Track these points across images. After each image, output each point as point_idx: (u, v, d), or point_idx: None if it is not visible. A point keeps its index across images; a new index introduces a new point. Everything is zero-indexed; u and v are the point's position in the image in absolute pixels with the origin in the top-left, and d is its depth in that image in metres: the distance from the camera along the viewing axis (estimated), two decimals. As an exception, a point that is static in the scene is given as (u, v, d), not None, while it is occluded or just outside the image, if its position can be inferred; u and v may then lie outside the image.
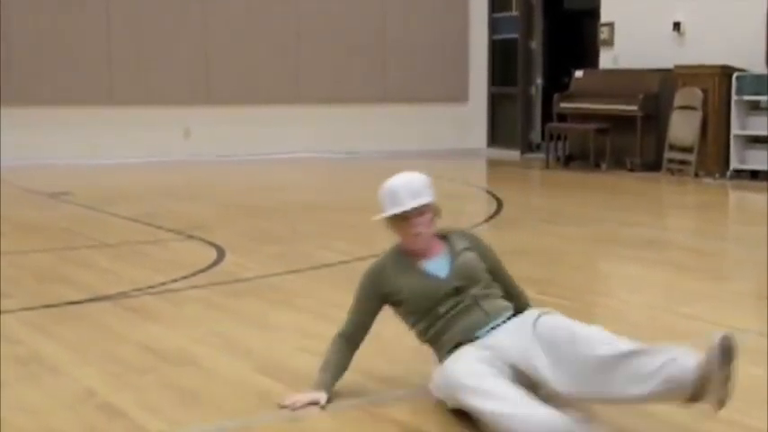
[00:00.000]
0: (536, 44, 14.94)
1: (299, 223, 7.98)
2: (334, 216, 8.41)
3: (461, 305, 3.32)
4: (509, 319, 3.34)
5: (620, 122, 12.26)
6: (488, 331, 3.27)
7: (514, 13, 14.89)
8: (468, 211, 9.43)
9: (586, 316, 4.80)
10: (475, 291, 3.35)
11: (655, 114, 12.16)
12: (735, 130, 11.29)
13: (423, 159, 13.91)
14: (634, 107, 12.08)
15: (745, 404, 3.29)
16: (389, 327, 4.45)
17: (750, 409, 3.25)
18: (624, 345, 2.99)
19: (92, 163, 12.67)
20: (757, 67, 11.20)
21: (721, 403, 2.87)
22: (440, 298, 3.34)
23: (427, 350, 4.01)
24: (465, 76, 15.13)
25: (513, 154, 14.70)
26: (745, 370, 3.71)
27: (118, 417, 3.21)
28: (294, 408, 3.24)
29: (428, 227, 3.51)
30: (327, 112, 14.10)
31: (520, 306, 3.49)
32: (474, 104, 15.23)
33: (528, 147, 14.87)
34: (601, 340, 3.03)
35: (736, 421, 3.12)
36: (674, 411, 3.22)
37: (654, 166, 12.03)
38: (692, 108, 11.56)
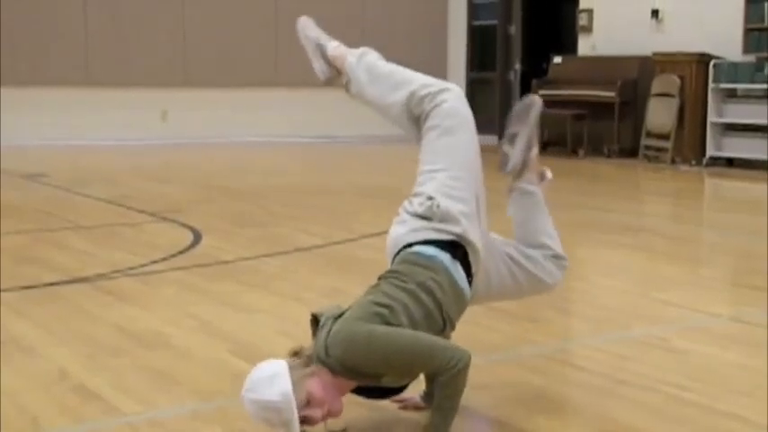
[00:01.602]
0: (515, 30, 14.95)
1: (277, 206, 7.97)
2: (311, 200, 8.40)
3: None
4: None
5: (598, 109, 12.31)
6: None
7: (494, -2, 14.90)
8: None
9: (563, 300, 4.83)
10: None
11: (632, 101, 12.22)
12: (711, 117, 11.35)
13: (400, 144, 13.92)
14: (612, 93, 12.13)
15: (722, 390, 3.31)
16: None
17: (722, 393, 3.27)
18: None
19: (68, 144, 12.61)
20: (734, 55, 11.26)
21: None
22: None
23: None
24: (443, 61, 15.12)
25: (491, 139, 14.71)
26: (720, 356, 3.75)
27: (92, 398, 3.20)
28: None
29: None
30: (305, 96, 14.07)
31: None
32: (452, 89, 15.23)
33: (506, 132, 14.89)
34: None
35: (707, 406, 3.15)
36: (644, 395, 3.24)
37: (631, 152, 12.09)
38: (670, 95, 11.61)
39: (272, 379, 2.68)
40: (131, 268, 5.31)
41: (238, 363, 3.59)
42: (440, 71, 15.07)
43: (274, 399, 2.64)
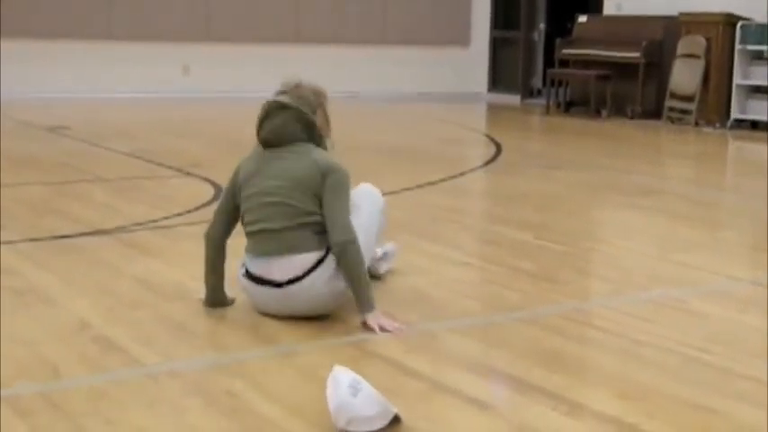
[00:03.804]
0: (540, -12, 14.82)
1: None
2: (332, 156, 8.37)
3: None
4: None
5: (622, 69, 12.21)
6: None
7: (519, -44, 14.76)
8: (467, 155, 9.42)
9: (582, 261, 4.82)
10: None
11: (657, 62, 12.10)
12: (737, 79, 11.25)
13: (422, 102, 13.86)
14: (636, 54, 12.02)
15: (741, 353, 3.31)
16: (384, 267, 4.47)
17: (746, 357, 3.27)
18: None
19: (90, 97, 12.62)
20: (762, 17, 11.13)
21: None
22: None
23: (421, 291, 4.04)
24: (467, 20, 15.02)
25: (514, 99, 14.64)
26: (739, 319, 3.74)
27: (112, 349, 3.22)
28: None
29: None
30: (327, 52, 14.01)
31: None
32: (475, 48, 15.14)
33: (529, 92, 14.81)
34: None
35: (730, 369, 3.14)
36: (663, 356, 3.24)
37: (654, 114, 12.00)
38: (695, 56, 11.50)
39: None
40: (152, 221, 5.33)
41: (257, 317, 3.61)
42: (463, 29, 14.98)
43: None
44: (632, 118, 12.05)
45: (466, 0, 14.95)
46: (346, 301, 3.57)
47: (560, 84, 13.03)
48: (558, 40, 13.10)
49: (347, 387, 2.58)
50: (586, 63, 12.63)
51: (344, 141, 9.96)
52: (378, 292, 3.95)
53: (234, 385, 2.92)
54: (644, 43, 11.98)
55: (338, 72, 14.12)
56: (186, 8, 13.31)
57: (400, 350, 3.26)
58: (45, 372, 2.99)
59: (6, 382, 2.90)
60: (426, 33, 14.52)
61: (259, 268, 3.52)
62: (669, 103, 11.79)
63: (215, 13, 13.49)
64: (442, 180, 7.04)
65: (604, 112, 12.27)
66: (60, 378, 2.96)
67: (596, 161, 8.60)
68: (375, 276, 4.02)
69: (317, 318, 3.56)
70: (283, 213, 3.50)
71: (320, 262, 3.48)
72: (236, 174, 3.75)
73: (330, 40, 14.05)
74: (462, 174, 7.65)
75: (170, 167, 7.41)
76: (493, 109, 13.97)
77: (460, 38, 14.98)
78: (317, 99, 3.77)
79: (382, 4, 14.30)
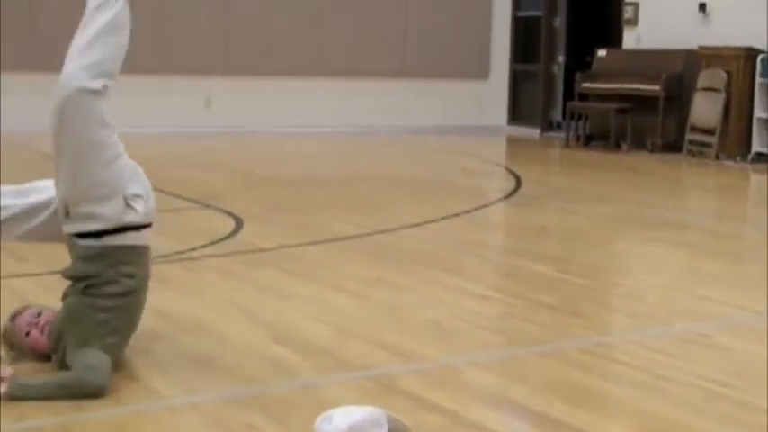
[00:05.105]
0: (560, 22, 14.84)
1: (317, 195, 7.98)
2: (351, 189, 8.40)
3: None
4: None
5: (642, 103, 12.19)
6: None
7: (539, -10, 14.80)
8: (487, 188, 9.41)
9: (603, 295, 4.80)
10: None
11: (677, 95, 12.08)
12: (758, 113, 11.20)
13: (441, 135, 13.88)
14: (657, 87, 12.01)
15: (759, 386, 3.27)
16: (405, 298, 4.47)
17: (764, 391, 3.23)
18: None
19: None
20: (782, 51, 11.11)
21: None
22: None
23: (442, 324, 4.02)
24: (486, 53, 15.06)
25: (533, 132, 14.64)
26: (762, 353, 3.70)
27: (131, 380, 3.22)
28: None
29: None
30: (347, 86, 14.06)
31: None
32: (495, 81, 15.16)
33: (548, 125, 14.80)
34: None
35: (749, 403, 3.11)
36: (686, 391, 3.21)
37: (675, 147, 11.96)
38: (716, 90, 11.47)
39: None
40: (173, 254, 5.34)
41: (278, 349, 3.61)
42: (482, 62, 15.01)
43: None
44: (652, 151, 12.02)
45: (486, 33, 14.99)
46: (367, 338, 3.55)
47: (580, 117, 13.02)
48: (577, 74, 13.11)
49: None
50: (606, 96, 12.62)
51: (364, 174, 9.99)
52: (398, 324, 3.96)
53: (254, 419, 2.91)
54: (664, 76, 11.97)
55: (357, 105, 14.17)
56: (207, 41, 13.40)
57: (421, 384, 3.24)
58: (65, 403, 2.99)
59: (28, 413, 2.90)
60: (445, 66, 14.56)
61: None
62: (690, 136, 11.76)
63: (236, 45, 13.57)
64: (464, 213, 7.04)
65: (624, 146, 12.25)
66: (81, 410, 2.96)
67: (617, 194, 8.58)
68: None
69: (337, 352, 3.55)
70: None
71: None
72: None
73: (350, 72, 14.11)
74: (483, 206, 7.65)
75: (190, 200, 7.43)
76: (512, 142, 13.97)
77: (480, 71, 15.00)
78: None
79: (402, 37, 14.36)
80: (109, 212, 3.26)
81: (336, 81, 14.01)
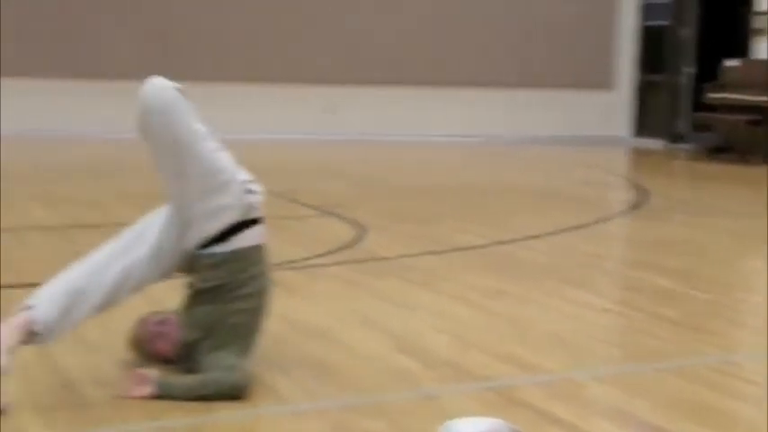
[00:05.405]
0: (688, 32, 14.56)
1: (439, 205, 8.01)
2: (472, 199, 8.40)
3: None
4: None
5: (773, 114, 11.88)
6: None
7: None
8: (610, 200, 9.30)
9: (730, 311, 4.70)
10: None
11: (810, 106, 11.73)
12: None
13: (563, 146, 13.77)
14: (788, 99, 11.69)
15: None
16: (526, 310, 4.46)
17: None
18: None
19: (235, 138, 12.96)
20: None
21: None
22: None
23: (563, 337, 4.01)
24: (611, 62, 14.88)
25: (657, 143, 14.39)
26: None
27: (258, 384, 3.29)
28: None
29: None
30: (469, 95, 14.07)
31: None
32: (619, 91, 14.96)
33: (674, 137, 14.53)
34: None
35: None
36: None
37: (807, 160, 11.61)
38: None
39: None
40: (295, 261, 5.44)
41: (400, 358, 3.64)
42: (607, 72, 14.83)
43: None
44: (783, 165, 11.70)
45: (610, 43, 14.81)
46: (488, 349, 3.55)
47: (707, 128, 12.75)
48: (705, 85, 12.84)
49: None
50: (735, 107, 12.33)
51: (485, 183, 9.97)
52: (519, 336, 3.96)
53: (375, 427, 2.95)
54: (796, 87, 11.64)
55: (479, 114, 14.17)
56: (331, 50, 13.58)
57: (542, 397, 3.24)
58: (197, 404, 3.08)
59: (162, 413, 3.01)
60: (569, 76, 14.44)
61: None
62: (823, 149, 11.40)
63: (360, 54, 13.72)
64: (585, 225, 6.98)
65: (755, 159, 11.94)
66: (212, 411, 3.05)
67: (745, 209, 8.36)
68: None
69: (459, 362, 3.57)
70: None
71: None
72: None
73: (473, 83, 14.12)
74: (605, 219, 7.56)
75: (313, 207, 7.55)
76: (637, 153, 13.76)
77: (604, 80, 14.83)
78: None
79: (525, 47, 14.30)
80: (231, 200, 3.28)
81: (459, 90, 14.03)
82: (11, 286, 4.61)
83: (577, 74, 14.49)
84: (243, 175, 3.37)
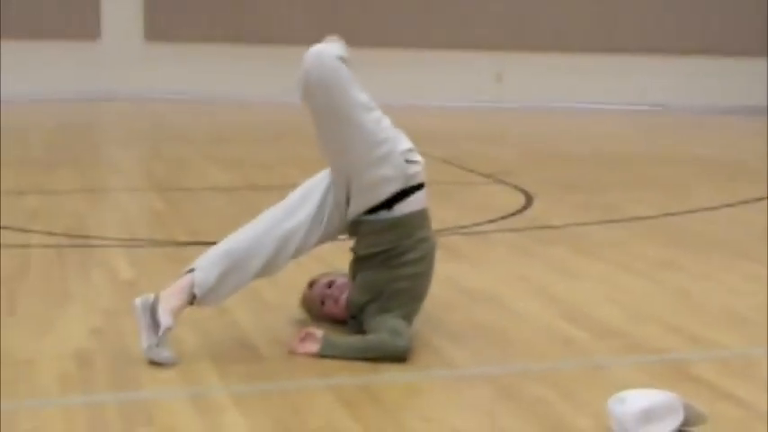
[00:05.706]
0: None
1: (609, 174, 7.87)
2: (644, 169, 8.22)
3: None
4: None
5: None
6: None
7: None
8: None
9: None
10: None
11: None
12: None
13: (739, 115, 13.28)
14: None
15: None
16: (699, 283, 4.35)
17: None
18: None
19: (405, 104, 13.04)
20: None
21: None
22: None
23: (738, 313, 3.89)
24: (763, 35, 14.24)
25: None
26: None
27: (425, 347, 3.33)
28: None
29: None
30: (639, 62, 13.75)
31: None
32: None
33: None
34: None
35: None
36: None
37: None
38: None
39: None
40: (465, 227, 5.45)
41: (568, 327, 3.62)
42: (760, 44, 14.13)
43: None
44: None
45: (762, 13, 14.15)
46: (659, 322, 3.47)
47: None
48: None
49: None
50: None
51: (656, 153, 9.72)
52: (691, 310, 3.88)
53: (545, 393, 2.94)
54: None
55: (650, 82, 13.82)
56: (501, 16, 13.48)
57: (717, 373, 3.16)
58: (364, 364, 3.14)
59: (331, 372, 3.07)
60: (747, 43, 13.90)
61: None
62: None
63: (529, 22, 13.57)
64: (762, 198, 6.72)
65: None
66: (378, 371, 3.10)
67: None
68: None
69: (629, 334, 3.53)
70: None
71: None
72: None
73: (643, 49, 13.76)
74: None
75: (482, 174, 7.53)
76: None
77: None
78: None
79: (701, 14, 13.84)
80: (392, 172, 3.29)
81: (630, 58, 13.73)
82: (185, 243, 4.79)
83: (756, 41, 13.93)
84: (404, 143, 3.37)
